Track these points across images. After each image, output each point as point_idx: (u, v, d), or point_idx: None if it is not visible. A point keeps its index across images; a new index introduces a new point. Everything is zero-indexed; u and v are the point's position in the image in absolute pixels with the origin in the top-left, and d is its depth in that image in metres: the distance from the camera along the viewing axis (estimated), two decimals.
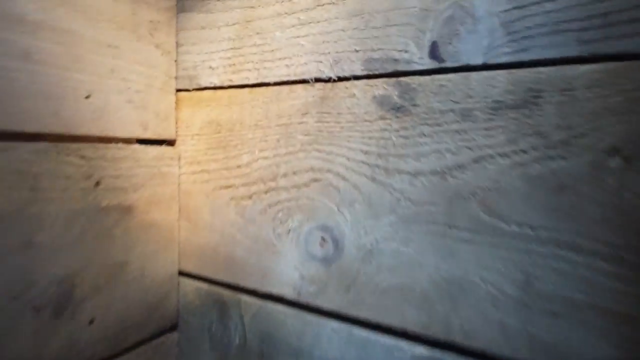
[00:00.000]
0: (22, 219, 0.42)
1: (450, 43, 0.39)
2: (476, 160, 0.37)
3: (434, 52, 0.40)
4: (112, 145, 0.50)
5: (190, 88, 0.56)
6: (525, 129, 0.36)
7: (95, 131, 0.49)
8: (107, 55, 0.49)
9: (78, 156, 0.46)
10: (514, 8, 0.36)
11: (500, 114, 0.36)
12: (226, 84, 0.53)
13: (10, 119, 0.42)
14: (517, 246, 0.36)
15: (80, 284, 0.47)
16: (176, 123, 0.58)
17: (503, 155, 0.36)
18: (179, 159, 0.58)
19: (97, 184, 0.48)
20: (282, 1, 0.48)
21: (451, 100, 0.39)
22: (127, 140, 0.52)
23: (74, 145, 0.46)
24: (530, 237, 0.35)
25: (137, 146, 0.53)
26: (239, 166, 0.52)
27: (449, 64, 0.39)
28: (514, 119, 0.36)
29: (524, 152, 0.35)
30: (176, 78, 0.58)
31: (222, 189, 0.54)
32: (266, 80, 0.50)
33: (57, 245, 0.45)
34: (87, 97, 0.47)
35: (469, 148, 0.38)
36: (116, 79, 0.50)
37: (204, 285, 0.56)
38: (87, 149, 0.47)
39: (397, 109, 0.41)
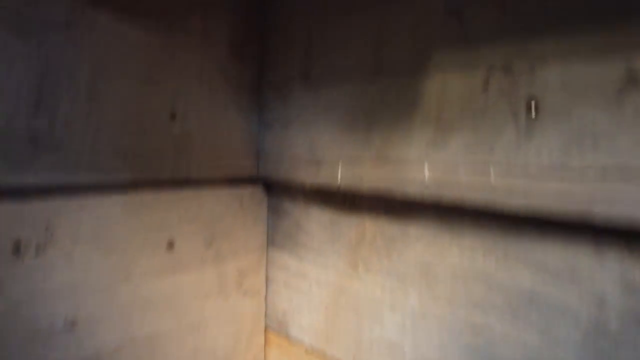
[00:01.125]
0: None
1: None
2: None
3: None
4: None
5: (280, 334, 0.52)
6: None
7: None
8: (189, 336, 0.46)
9: None
10: None
11: None
12: (317, 350, 0.48)
13: None
14: None
15: None
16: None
17: None
18: None
19: None
20: (384, 287, 0.42)
21: None
22: None
23: None
24: None
25: None
26: None
27: None
28: None
29: None
30: (265, 315, 0.53)
31: None
32: None
33: None
34: None
35: None
36: (200, 356, 0.47)
37: None
38: None
39: None
